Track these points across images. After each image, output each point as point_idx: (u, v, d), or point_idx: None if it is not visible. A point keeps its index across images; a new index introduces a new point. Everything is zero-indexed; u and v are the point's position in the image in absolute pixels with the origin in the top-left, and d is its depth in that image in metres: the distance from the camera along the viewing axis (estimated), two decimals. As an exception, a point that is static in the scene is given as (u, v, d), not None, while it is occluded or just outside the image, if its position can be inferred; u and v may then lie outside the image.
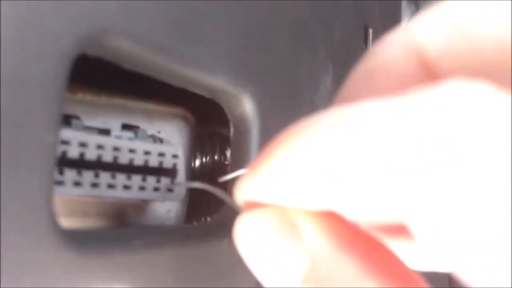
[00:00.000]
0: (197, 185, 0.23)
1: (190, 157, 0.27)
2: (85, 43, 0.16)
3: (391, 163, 0.11)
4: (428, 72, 0.16)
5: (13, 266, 0.14)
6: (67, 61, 0.15)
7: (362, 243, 0.13)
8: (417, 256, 0.16)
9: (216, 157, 0.29)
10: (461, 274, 0.13)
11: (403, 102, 0.12)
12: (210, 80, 0.22)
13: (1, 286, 0.14)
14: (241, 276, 0.22)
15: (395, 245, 0.16)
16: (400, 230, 0.16)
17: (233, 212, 0.15)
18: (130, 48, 0.18)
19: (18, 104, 0.14)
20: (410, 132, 0.11)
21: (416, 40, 0.16)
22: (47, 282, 0.15)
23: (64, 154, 0.19)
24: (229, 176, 0.20)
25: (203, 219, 0.28)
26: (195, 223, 0.28)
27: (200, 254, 0.21)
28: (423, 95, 0.12)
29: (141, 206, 0.25)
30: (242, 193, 0.14)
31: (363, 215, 0.13)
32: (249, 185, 0.14)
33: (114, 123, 0.23)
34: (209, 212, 0.28)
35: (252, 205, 0.14)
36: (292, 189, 0.13)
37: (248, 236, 0.14)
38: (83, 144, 0.20)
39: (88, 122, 0.22)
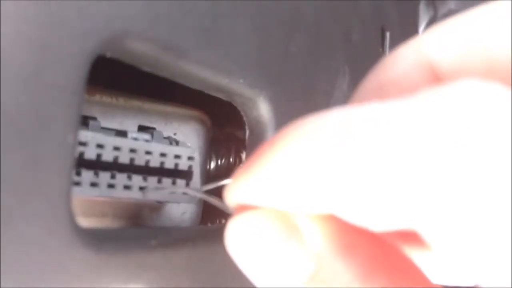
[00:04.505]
0: (193, 192, 0.23)
1: (206, 159, 0.27)
2: (104, 45, 0.16)
3: (397, 166, 0.10)
4: None
5: (32, 264, 0.14)
6: (87, 62, 0.15)
7: (367, 242, 0.13)
8: (436, 267, 0.16)
9: (231, 160, 0.29)
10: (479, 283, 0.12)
11: (411, 103, 0.11)
12: (227, 82, 0.22)
13: (21, 285, 0.14)
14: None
15: (411, 254, 0.15)
16: (412, 238, 0.16)
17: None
18: (149, 51, 0.18)
19: (39, 104, 0.14)
20: (421, 134, 0.10)
21: (427, 55, 0.15)
22: (65, 280, 0.15)
23: (81, 155, 0.19)
24: (213, 185, 0.20)
25: (217, 221, 0.28)
26: (209, 224, 0.28)
27: (215, 255, 0.21)
28: (432, 96, 0.11)
29: (157, 207, 0.25)
30: (233, 196, 0.13)
31: (368, 221, 0.12)
32: (241, 186, 0.13)
33: (130, 125, 0.23)
34: (224, 214, 0.28)
35: (245, 208, 0.13)
36: (289, 192, 0.12)
37: (244, 237, 0.13)
38: (100, 146, 0.20)
39: (105, 123, 0.22)
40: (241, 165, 0.29)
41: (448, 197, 0.10)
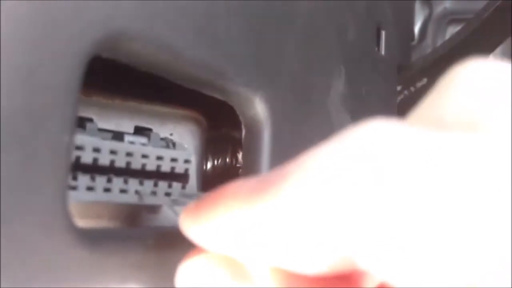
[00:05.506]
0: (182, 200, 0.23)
1: (202, 159, 0.27)
2: (100, 46, 0.16)
3: (325, 214, 0.11)
4: None
5: (28, 264, 0.14)
6: (82, 63, 0.15)
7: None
8: None
9: (227, 160, 0.29)
10: None
11: (326, 151, 0.12)
12: (223, 82, 0.22)
13: (17, 284, 0.14)
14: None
15: None
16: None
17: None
18: (144, 51, 0.18)
19: (35, 105, 0.14)
20: (339, 184, 0.11)
21: None
22: (61, 280, 0.15)
23: (78, 159, 0.19)
24: None
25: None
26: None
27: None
28: (345, 141, 0.12)
29: (154, 209, 0.25)
30: (186, 231, 0.15)
31: (317, 270, 0.13)
32: (192, 226, 0.15)
33: (127, 125, 0.23)
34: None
35: (196, 251, 0.15)
36: (232, 246, 0.13)
37: (193, 281, 0.15)
38: (96, 149, 0.20)
39: (102, 124, 0.22)
40: (238, 165, 0.29)
41: (385, 230, 0.11)
